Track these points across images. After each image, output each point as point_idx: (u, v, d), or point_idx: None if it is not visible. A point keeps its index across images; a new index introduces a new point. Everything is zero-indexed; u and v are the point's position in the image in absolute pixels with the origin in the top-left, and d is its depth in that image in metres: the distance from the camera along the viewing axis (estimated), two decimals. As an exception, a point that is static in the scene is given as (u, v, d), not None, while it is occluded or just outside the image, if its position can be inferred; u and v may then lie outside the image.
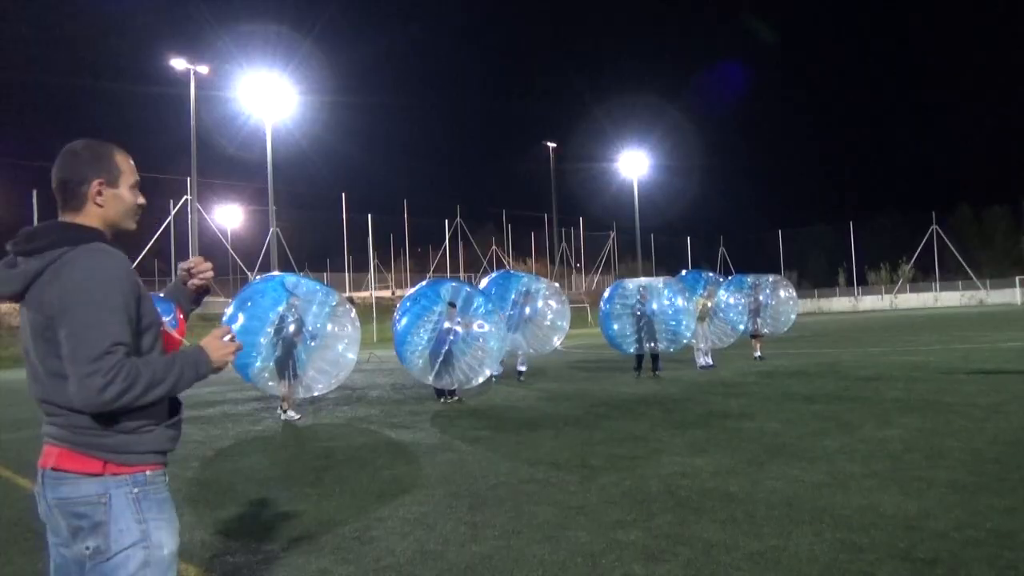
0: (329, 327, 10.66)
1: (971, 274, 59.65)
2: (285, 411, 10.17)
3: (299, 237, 52.98)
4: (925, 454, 6.10)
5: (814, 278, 71.73)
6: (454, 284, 12.74)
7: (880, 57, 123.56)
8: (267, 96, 42.05)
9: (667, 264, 64.46)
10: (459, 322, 11.13)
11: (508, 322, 13.38)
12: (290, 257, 47.42)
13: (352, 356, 10.79)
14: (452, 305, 11.24)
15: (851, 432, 7.26)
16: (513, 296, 14.36)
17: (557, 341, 14.96)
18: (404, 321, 11.46)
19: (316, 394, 10.89)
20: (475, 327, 11.33)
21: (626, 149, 62.41)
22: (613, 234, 68.95)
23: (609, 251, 68.83)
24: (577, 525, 4.62)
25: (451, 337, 11.03)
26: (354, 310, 11.30)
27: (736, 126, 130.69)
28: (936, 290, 61.25)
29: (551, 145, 58.78)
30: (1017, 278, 55.83)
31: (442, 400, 11.15)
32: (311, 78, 79.51)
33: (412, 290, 12.49)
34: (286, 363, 10.05)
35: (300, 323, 10.17)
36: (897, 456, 6.08)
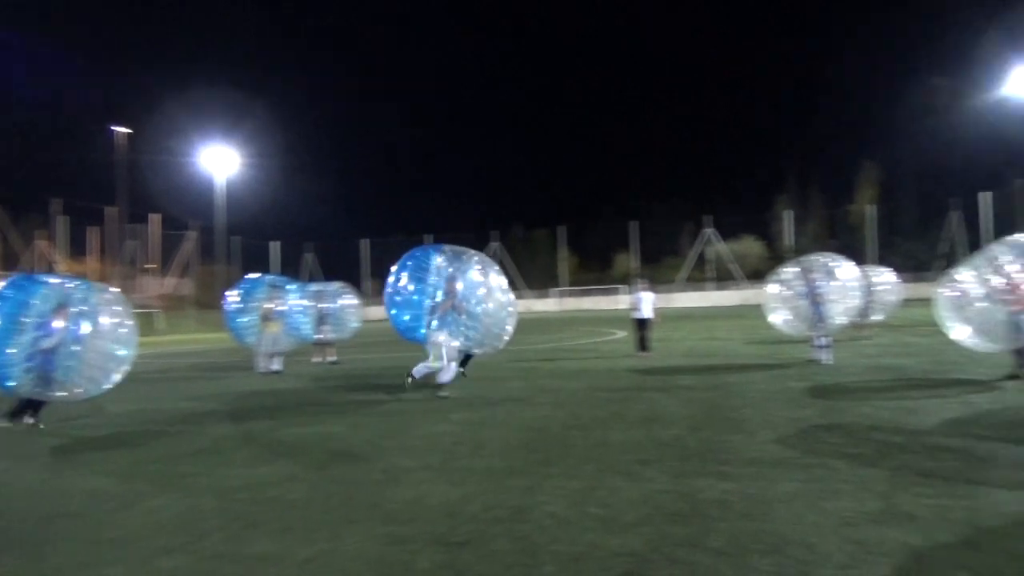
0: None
1: (521, 285, 69.64)
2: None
3: None
4: (470, 446, 6.80)
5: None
6: (55, 281, 10.12)
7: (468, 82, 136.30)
8: None
9: (254, 269, 62.09)
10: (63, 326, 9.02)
11: (434, 314, 10.40)
12: None
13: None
14: (62, 306, 9.02)
15: (410, 429, 7.76)
16: (432, 278, 10.59)
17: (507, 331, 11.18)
18: None
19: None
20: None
21: (210, 144, 58.62)
22: (194, 234, 64.08)
23: (188, 252, 63.76)
24: (111, 560, 4.07)
25: (60, 343, 8.93)
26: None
27: (335, 129, 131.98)
28: (495, 299, 70.13)
29: (122, 131, 52.25)
30: (553, 290, 66.99)
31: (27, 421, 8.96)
32: None
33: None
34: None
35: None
36: (448, 449, 6.67)
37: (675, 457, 5.99)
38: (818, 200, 72.92)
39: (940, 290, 10.68)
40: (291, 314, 16.13)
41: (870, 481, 5.02)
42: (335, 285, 18.39)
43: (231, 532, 4.47)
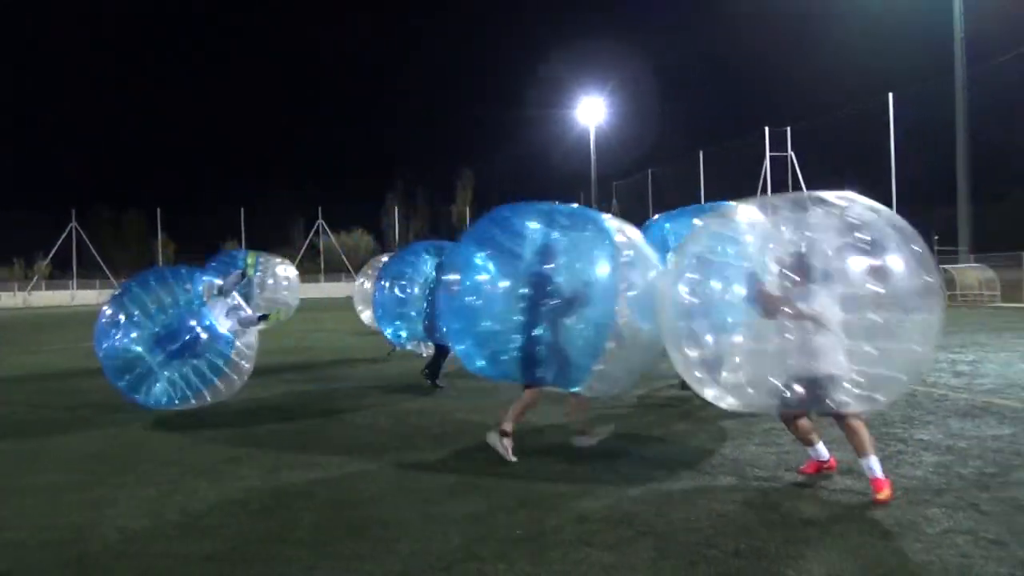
0: None
1: (108, 273, 61.45)
2: None
3: None
4: (16, 459, 5.78)
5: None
6: None
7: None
8: None
9: None
10: None
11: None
12: None
13: None
14: None
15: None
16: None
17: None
18: None
19: None
20: None
21: None
22: None
23: None
24: None
25: None
26: None
27: None
28: (74, 288, 60.66)
29: None
30: (146, 278, 60.72)
31: None
32: None
33: None
34: None
35: None
36: (-11, 467, 5.59)
37: (269, 452, 5.85)
38: (424, 199, 78.30)
39: None
40: None
41: (449, 458, 5.51)
42: None
43: None
